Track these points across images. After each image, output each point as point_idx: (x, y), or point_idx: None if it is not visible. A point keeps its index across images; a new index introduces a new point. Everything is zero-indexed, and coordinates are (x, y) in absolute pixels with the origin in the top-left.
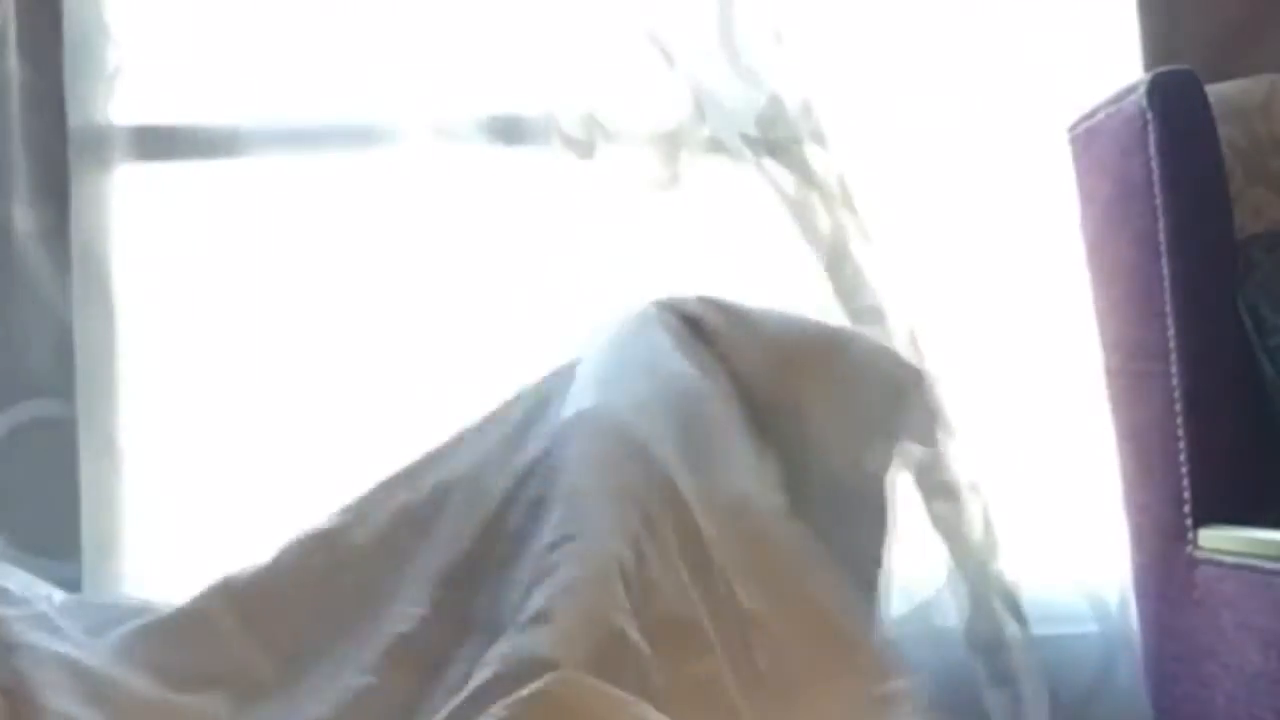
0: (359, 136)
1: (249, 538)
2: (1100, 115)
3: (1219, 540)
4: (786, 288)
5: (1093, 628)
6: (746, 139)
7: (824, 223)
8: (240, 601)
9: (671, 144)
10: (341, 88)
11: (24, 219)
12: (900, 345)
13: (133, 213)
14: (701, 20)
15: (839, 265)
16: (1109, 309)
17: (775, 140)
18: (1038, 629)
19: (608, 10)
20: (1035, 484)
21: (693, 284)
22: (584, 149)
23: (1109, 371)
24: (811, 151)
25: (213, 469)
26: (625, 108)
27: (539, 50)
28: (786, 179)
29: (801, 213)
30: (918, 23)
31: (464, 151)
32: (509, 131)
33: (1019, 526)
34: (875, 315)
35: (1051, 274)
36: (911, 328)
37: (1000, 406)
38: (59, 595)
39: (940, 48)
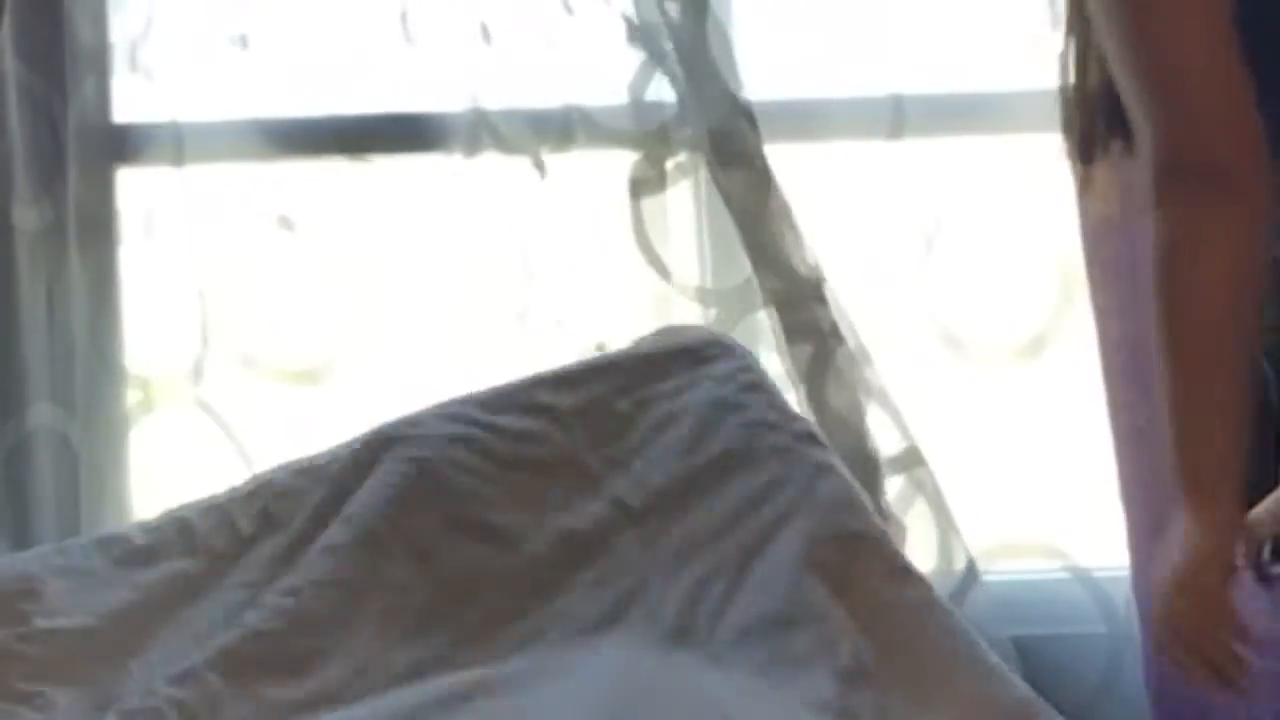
0: (356, 137)
1: None
2: None
3: None
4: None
5: (1100, 628)
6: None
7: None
8: None
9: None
10: (338, 88)
11: (24, 218)
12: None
13: (132, 213)
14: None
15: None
16: (1109, 309)
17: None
18: (1045, 629)
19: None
20: (1039, 484)
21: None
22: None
23: (1109, 371)
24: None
25: (213, 470)
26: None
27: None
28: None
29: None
30: (917, 23)
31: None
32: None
33: (1025, 526)
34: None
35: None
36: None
37: (1002, 407)
38: None
39: (940, 47)
